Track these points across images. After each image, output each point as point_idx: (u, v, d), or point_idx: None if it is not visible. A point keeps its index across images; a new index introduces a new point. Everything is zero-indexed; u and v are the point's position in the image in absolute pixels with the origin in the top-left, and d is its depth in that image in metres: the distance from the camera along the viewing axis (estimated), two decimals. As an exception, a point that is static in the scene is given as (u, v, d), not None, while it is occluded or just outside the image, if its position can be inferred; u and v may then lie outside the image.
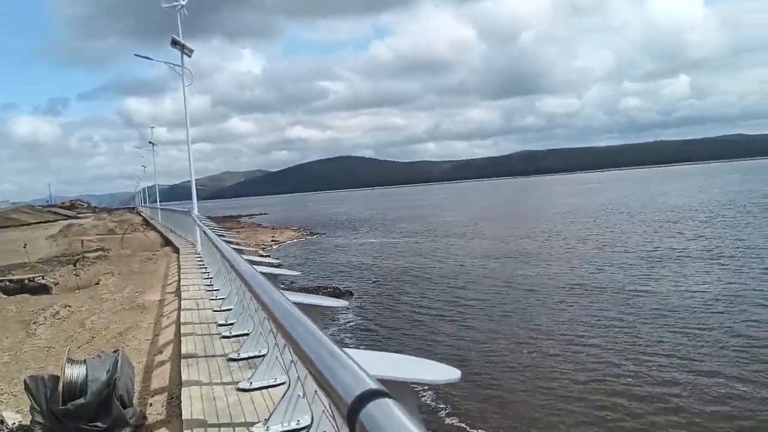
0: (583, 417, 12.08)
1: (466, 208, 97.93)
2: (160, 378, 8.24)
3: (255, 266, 6.20)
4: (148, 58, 26.18)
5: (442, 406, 13.00)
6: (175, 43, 21.89)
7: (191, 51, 22.40)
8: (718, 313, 18.85)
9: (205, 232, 15.15)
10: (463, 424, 12.22)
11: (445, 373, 4.05)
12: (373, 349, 16.29)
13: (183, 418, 5.73)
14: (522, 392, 13.53)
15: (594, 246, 36.50)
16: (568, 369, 14.77)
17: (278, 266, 12.59)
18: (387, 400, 1.61)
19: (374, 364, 1.98)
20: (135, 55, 28.34)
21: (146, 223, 67.87)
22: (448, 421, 12.44)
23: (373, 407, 1.60)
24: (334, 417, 3.28)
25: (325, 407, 4.18)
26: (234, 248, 9.19)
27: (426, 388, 13.11)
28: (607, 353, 15.72)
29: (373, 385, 1.74)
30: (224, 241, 10.71)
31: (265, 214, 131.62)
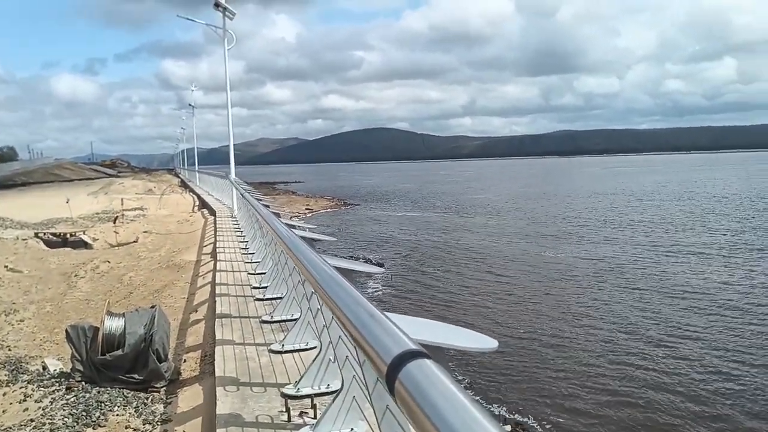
0: (611, 398, 12.01)
1: (498, 187, 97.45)
2: (195, 336, 8.43)
3: (293, 230, 6.25)
4: (190, 19, 26.31)
5: (474, 375, 13.05)
6: (217, 5, 22.00)
7: (233, 13, 22.50)
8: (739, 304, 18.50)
9: (243, 195, 15.33)
10: (494, 394, 12.25)
11: (481, 341, 4.01)
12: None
13: (216, 375, 5.85)
14: (555, 371, 13.45)
15: (620, 232, 35.83)
16: (600, 349, 14.69)
17: (314, 232, 12.68)
18: (427, 360, 1.61)
19: (410, 328, 1.98)
20: (177, 16, 28.38)
21: (184, 185, 68.95)
22: (479, 388, 12.47)
23: (412, 367, 1.59)
24: (365, 382, 3.31)
25: (355, 373, 4.21)
26: (272, 212, 9.28)
27: (459, 355, 13.16)
28: (639, 338, 15.55)
29: (413, 346, 1.73)
30: (263, 204, 10.83)
31: (300, 182, 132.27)
